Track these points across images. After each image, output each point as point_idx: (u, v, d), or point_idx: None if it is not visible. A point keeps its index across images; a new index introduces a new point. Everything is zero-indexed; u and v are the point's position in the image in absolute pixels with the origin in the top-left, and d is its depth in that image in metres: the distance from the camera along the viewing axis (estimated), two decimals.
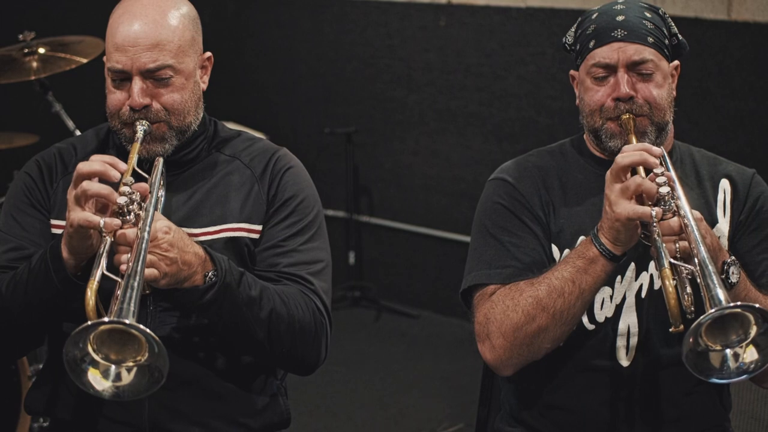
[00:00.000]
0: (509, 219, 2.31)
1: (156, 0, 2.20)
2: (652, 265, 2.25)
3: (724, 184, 2.36)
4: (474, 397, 2.59)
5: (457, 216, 5.65)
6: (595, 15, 2.32)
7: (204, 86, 2.29)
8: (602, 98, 2.26)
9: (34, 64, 3.79)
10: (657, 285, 2.25)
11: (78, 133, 3.64)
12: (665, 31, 2.30)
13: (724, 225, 2.33)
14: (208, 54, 2.30)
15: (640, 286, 2.27)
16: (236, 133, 2.38)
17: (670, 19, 2.34)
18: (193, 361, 2.20)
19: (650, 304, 2.25)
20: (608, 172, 2.11)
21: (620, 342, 2.26)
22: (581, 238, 2.25)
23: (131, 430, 2.20)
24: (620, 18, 2.26)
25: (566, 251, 2.27)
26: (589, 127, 2.31)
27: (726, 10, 4.52)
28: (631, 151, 2.09)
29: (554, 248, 2.29)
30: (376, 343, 5.41)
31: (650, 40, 2.25)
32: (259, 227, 2.25)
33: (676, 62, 2.35)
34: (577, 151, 2.39)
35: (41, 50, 3.82)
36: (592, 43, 2.28)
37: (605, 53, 2.25)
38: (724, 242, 2.31)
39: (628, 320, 2.25)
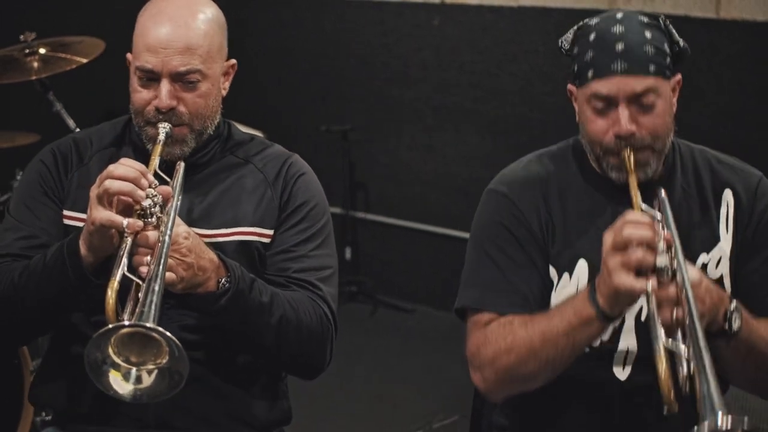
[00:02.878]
0: (507, 240, 2.24)
1: (188, 3, 2.22)
2: (650, 284, 2.17)
3: (727, 196, 2.26)
4: (469, 390, 2.57)
5: (452, 212, 5.68)
6: (592, 36, 2.18)
7: (224, 92, 2.31)
8: (602, 132, 2.17)
9: (35, 64, 3.80)
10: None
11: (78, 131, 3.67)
12: (667, 47, 2.17)
13: (726, 243, 2.24)
14: (233, 61, 2.33)
15: (640, 309, 2.19)
16: (249, 137, 2.39)
17: (671, 27, 2.22)
18: (198, 358, 2.22)
19: (651, 326, 2.12)
20: (607, 235, 2.01)
21: (617, 362, 2.22)
22: (580, 261, 2.21)
23: (136, 425, 2.23)
24: (620, 47, 2.13)
25: (565, 275, 2.22)
26: (590, 151, 2.24)
27: (715, 9, 4.56)
28: (637, 226, 1.98)
29: (552, 270, 2.24)
30: (372, 337, 5.45)
31: (652, 68, 2.13)
32: (270, 232, 2.28)
33: (678, 76, 2.22)
34: (578, 164, 2.30)
35: (42, 50, 3.82)
36: (590, 73, 2.16)
37: (605, 86, 2.14)
38: (725, 265, 2.23)
39: (628, 343, 2.20)
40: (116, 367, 1.87)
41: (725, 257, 2.24)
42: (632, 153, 2.15)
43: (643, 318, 2.20)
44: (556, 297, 2.23)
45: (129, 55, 2.24)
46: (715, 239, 2.25)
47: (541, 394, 2.23)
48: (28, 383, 3.38)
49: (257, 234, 2.27)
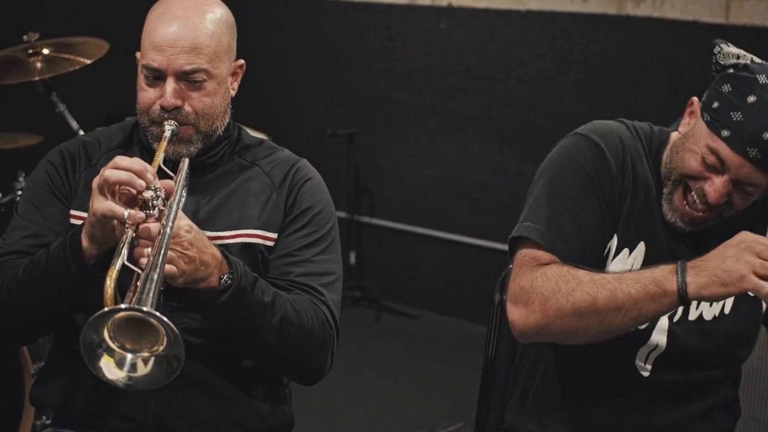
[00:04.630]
0: (586, 189, 2.17)
1: (196, 2, 2.22)
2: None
3: None
4: (473, 397, 2.60)
5: (456, 217, 5.67)
6: (751, 98, 2.04)
7: (233, 93, 2.31)
8: (695, 180, 2.12)
9: (38, 65, 3.79)
10: (692, 316, 2.20)
11: (81, 133, 3.67)
12: None
13: None
14: (241, 62, 2.32)
15: (674, 312, 2.17)
16: (258, 141, 2.39)
17: None
18: (200, 362, 2.21)
19: (682, 330, 2.16)
20: (742, 237, 2.00)
21: (641, 357, 2.20)
22: (640, 244, 2.18)
23: (135, 427, 2.22)
24: (766, 136, 2.02)
25: (625, 250, 2.18)
26: (666, 174, 2.18)
27: (724, 14, 4.54)
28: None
29: (614, 239, 2.18)
30: (376, 342, 5.44)
31: None
32: (274, 235, 2.27)
33: None
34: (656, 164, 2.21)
35: (45, 51, 3.82)
36: (725, 132, 2.06)
37: (726, 155, 2.06)
38: None
39: (658, 338, 2.18)
40: (110, 352, 1.87)
41: None
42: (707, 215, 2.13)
43: (675, 319, 2.19)
44: (612, 268, 2.18)
45: (138, 54, 2.25)
46: None
47: (560, 385, 2.24)
48: (28, 386, 3.38)
49: (261, 237, 2.26)
